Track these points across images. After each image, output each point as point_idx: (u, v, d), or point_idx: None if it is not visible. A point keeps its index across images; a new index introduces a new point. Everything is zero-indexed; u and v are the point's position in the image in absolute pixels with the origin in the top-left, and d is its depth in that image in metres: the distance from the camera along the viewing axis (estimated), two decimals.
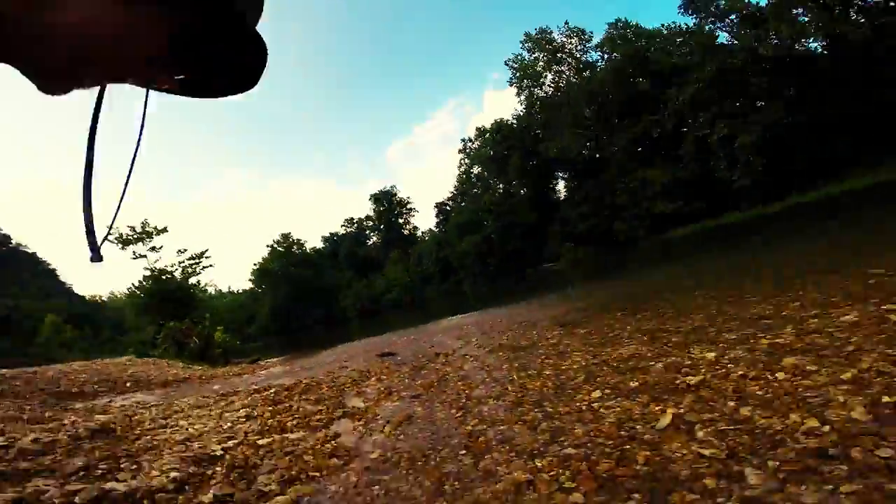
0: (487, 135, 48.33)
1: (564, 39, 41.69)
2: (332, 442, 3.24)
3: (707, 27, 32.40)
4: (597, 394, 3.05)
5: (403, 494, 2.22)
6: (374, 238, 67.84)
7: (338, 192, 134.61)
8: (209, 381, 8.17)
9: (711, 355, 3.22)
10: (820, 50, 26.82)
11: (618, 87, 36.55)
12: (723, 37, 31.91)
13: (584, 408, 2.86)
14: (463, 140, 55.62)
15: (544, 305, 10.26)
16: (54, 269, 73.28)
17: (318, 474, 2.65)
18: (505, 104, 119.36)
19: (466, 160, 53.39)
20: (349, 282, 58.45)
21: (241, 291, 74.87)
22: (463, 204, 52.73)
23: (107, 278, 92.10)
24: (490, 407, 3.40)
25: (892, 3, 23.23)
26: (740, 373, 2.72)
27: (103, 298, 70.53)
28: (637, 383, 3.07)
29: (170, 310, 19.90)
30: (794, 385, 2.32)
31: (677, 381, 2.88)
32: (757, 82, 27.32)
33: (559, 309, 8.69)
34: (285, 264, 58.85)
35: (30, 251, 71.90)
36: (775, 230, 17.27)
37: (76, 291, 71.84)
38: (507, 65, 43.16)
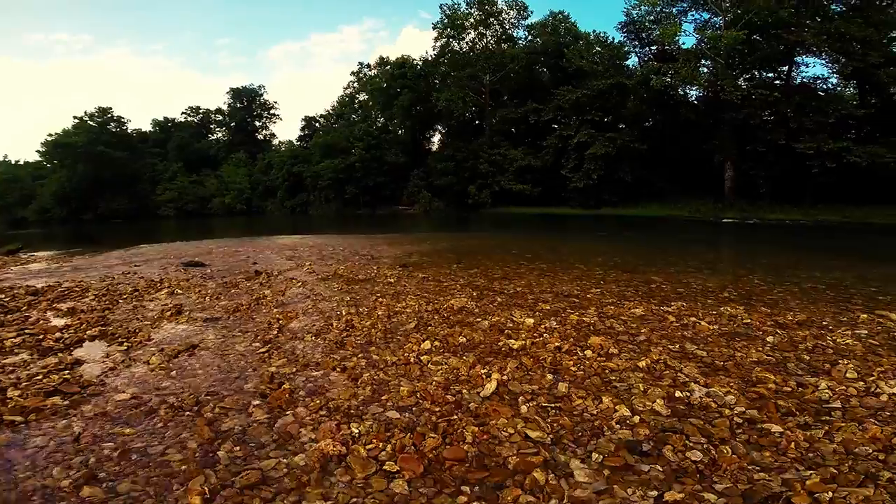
0: (388, 67, 45.58)
1: (504, 7, 41.19)
2: (67, 372, 2.31)
3: (627, 48, 35.11)
4: (427, 345, 2.91)
5: (149, 460, 1.56)
6: (220, 135, 57.40)
7: (200, 80, 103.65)
8: None
9: (530, 322, 3.42)
10: (694, 98, 31.54)
11: (523, 69, 37.89)
12: (634, 60, 35.37)
13: (412, 360, 2.67)
14: (360, 63, 51.53)
15: (390, 242, 10.07)
16: None
17: (20, 419, 1.80)
18: (419, 45, 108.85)
19: (356, 84, 50.52)
20: (174, 175, 48.32)
21: (22, 163, 55.92)
22: (335, 126, 48.86)
23: None
24: (306, 344, 2.94)
25: (777, 82, 26.81)
26: (556, 344, 2.90)
27: None
28: (465, 339, 3.05)
29: None
30: (601, 366, 2.53)
31: (500, 344, 2.95)
32: (632, 106, 31.53)
33: (403, 249, 8.59)
34: (94, 141, 44.97)
35: None
36: (591, 228, 20.80)
37: None
38: (440, 9, 40.96)
